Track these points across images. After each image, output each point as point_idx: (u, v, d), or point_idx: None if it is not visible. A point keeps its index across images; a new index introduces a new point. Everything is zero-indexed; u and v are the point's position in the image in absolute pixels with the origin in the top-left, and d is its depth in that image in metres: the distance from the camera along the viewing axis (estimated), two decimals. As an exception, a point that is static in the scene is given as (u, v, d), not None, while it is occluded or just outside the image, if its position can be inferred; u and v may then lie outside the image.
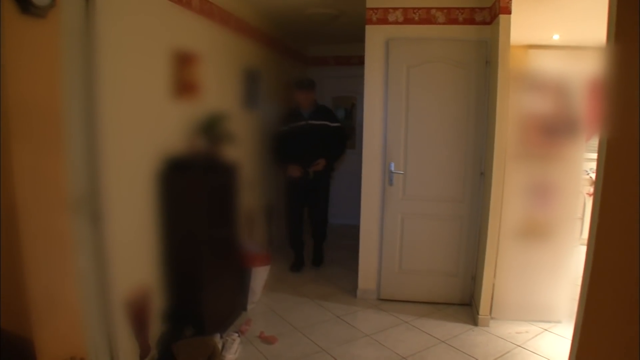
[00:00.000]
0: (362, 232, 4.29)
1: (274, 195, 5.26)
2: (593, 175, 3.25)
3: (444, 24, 3.91)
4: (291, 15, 4.98)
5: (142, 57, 2.86)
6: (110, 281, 2.60)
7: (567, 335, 3.42)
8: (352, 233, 5.33)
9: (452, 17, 3.89)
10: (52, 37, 2.05)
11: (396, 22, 3.96)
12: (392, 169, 4.06)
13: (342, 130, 4.87)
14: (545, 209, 3.65)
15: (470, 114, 3.92)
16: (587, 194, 5.11)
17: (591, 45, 3.12)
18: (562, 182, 3.62)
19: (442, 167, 4.04)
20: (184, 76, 3.33)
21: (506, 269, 3.72)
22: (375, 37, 4.01)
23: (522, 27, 3.45)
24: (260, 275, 4.05)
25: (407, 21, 3.95)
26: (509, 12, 3.39)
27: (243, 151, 4.36)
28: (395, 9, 3.94)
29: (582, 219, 4.88)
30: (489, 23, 3.80)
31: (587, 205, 5.05)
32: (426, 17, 3.92)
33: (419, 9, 3.91)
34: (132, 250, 2.88)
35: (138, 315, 2.88)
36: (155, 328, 3.09)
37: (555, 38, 3.83)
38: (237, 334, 3.37)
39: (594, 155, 1.76)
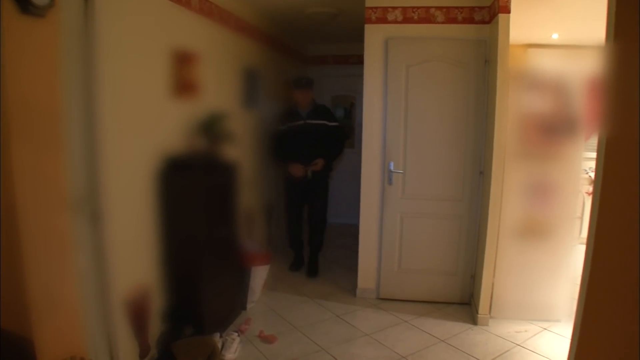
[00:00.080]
0: (361, 231, 4.30)
1: (273, 195, 5.25)
2: (592, 175, 3.26)
3: (443, 23, 3.91)
4: (290, 14, 4.98)
5: (141, 56, 2.86)
6: (109, 281, 2.60)
7: (566, 334, 3.42)
8: (351, 232, 5.34)
9: (451, 16, 3.89)
10: (52, 36, 2.05)
11: (395, 21, 3.96)
12: (392, 168, 4.06)
13: (341, 129, 4.83)
14: (545, 208, 3.66)
15: (470, 113, 3.93)
16: (587, 193, 5.12)
17: (590, 45, 3.12)
18: (562, 181, 3.63)
19: (442, 166, 4.04)
20: (183, 75, 3.32)
21: (505, 268, 3.72)
22: (374, 36, 4.01)
23: (521, 26, 3.45)
24: (259, 275, 4.05)
25: (406, 20, 3.95)
26: (508, 11, 3.39)
27: (242, 150, 4.36)
28: (394, 8, 3.94)
29: (582, 218, 4.89)
30: (488, 22, 3.80)
31: (587, 205, 5.06)
32: (425, 16, 3.92)
33: (418, 8, 3.92)
34: (132, 250, 2.88)
35: (138, 315, 2.88)
36: (155, 327, 3.10)
37: (555, 37, 3.83)
38: (236, 333, 3.37)
39: (593, 155, 1.76)
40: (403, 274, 4.23)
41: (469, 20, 3.87)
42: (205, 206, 3.26)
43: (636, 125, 1.46)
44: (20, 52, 1.86)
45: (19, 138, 1.88)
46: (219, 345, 3.17)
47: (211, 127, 3.50)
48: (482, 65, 3.85)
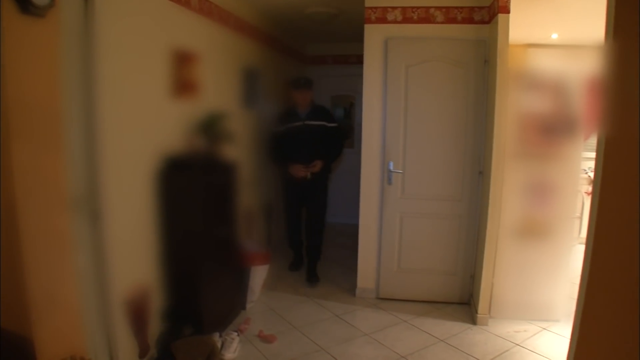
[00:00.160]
0: (361, 231, 4.30)
1: (273, 194, 5.25)
2: (591, 174, 3.27)
3: (442, 23, 3.91)
4: (290, 14, 4.98)
5: (141, 56, 2.86)
6: (109, 280, 2.60)
7: (565, 334, 3.43)
8: (351, 232, 5.34)
9: (450, 16, 3.89)
10: (52, 36, 2.05)
11: (395, 21, 3.97)
12: (391, 168, 4.07)
13: (340, 130, 4.76)
14: (544, 208, 3.66)
15: (469, 113, 3.93)
16: (586, 193, 5.12)
17: (590, 44, 3.12)
18: (561, 181, 3.63)
19: (441, 166, 4.04)
20: (183, 75, 3.33)
21: (505, 268, 3.73)
22: (374, 36, 4.02)
23: (520, 26, 3.46)
24: (259, 274, 4.05)
25: (406, 20, 3.95)
26: (508, 12, 3.39)
27: (242, 150, 4.36)
28: (394, 8, 3.95)
29: (581, 218, 4.89)
30: (488, 22, 3.80)
31: (586, 204, 5.06)
32: (425, 16, 3.92)
33: (418, 8, 3.92)
34: (132, 249, 2.88)
35: (137, 314, 2.88)
36: (155, 327, 3.10)
37: (554, 37, 3.84)
38: (236, 333, 3.37)
39: (593, 155, 1.76)
40: (402, 273, 4.24)
41: (469, 20, 3.87)
42: (205, 206, 3.26)
43: (636, 125, 1.46)
44: (20, 52, 1.86)
45: (19, 138, 1.88)
46: (219, 344, 3.18)
47: (211, 127, 3.50)
48: (481, 65, 3.85)
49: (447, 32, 3.91)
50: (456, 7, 3.87)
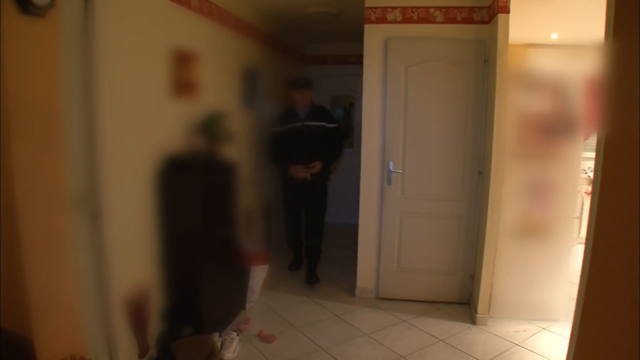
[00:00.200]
0: (360, 230, 4.30)
1: (272, 194, 5.25)
2: (591, 174, 3.27)
3: (442, 23, 3.91)
4: (290, 14, 4.98)
5: (141, 56, 2.86)
6: (109, 280, 2.60)
7: (565, 334, 3.43)
8: (350, 232, 5.34)
9: (450, 16, 3.89)
10: (52, 36, 2.05)
11: (395, 21, 3.97)
12: (391, 168, 4.07)
13: (340, 131, 4.73)
14: (544, 208, 3.66)
15: (469, 113, 3.93)
16: (585, 193, 5.13)
17: (589, 44, 3.13)
18: (560, 181, 3.63)
19: (441, 166, 4.04)
20: (183, 75, 3.33)
21: (504, 267, 3.73)
22: (374, 36, 4.02)
23: (520, 26, 3.46)
24: (259, 274, 4.05)
25: (406, 20, 3.95)
26: (508, 12, 3.40)
27: (242, 150, 4.36)
28: (393, 8, 3.95)
29: (580, 218, 4.90)
30: (487, 22, 3.81)
31: (585, 204, 5.07)
32: (425, 16, 3.93)
33: (418, 8, 3.92)
34: (131, 249, 2.88)
35: (137, 314, 2.88)
36: (154, 327, 3.10)
37: (554, 37, 3.84)
38: (235, 333, 3.37)
39: (592, 155, 1.76)
40: (402, 273, 4.24)
41: (469, 21, 3.88)
42: (205, 206, 3.26)
43: (635, 124, 1.46)
44: (20, 52, 1.86)
45: (19, 138, 1.88)
46: (218, 344, 3.18)
47: (210, 127, 3.50)
48: (481, 65, 3.85)
49: (447, 32, 3.91)
50: (456, 7, 3.87)
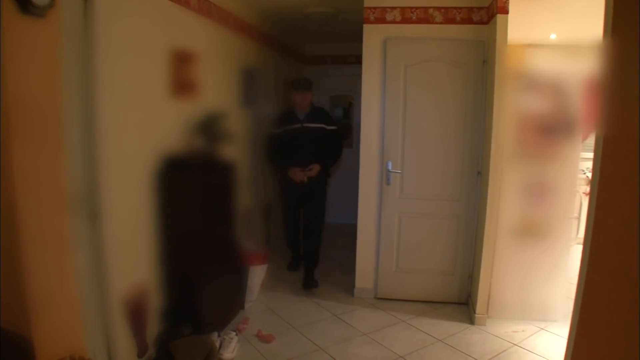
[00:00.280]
0: (359, 231, 4.31)
1: (271, 194, 5.25)
2: (589, 175, 3.27)
3: (441, 23, 3.92)
4: (289, 14, 4.98)
5: (140, 56, 2.86)
6: (108, 280, 2.60)
7: (563, 334, 3.44)
8: (349, 232, 5.34)
9: (449, 16, 3.90)
10: (52, 36, 2.05)
11: (394, 22, 3.97)
12: (390, 168, 4.07)
13: (339, 134, 4.65)
14: (542, 208, 3.67)
15: (468, 113, 3.94)
16: (584, 193, 5.14)
17: (588, 45, 3.13)
18: (559, 182, 3.64)
19: (440, 166, 4.05)
20: (182, 75, 3.33)
21: (503, 268, 3.74)
22: (373, 36, 4.02)
23: (519, 27, 3.46)
24: (257, 274, 4.06)
25: (405, 20, 3.96)
26: (506, 12, 3.40)
27: (241, 150, 4.36)
28: (393, 8, 3.95)
29: (579, 218, 4.91)
30: (486, 23, 3.81)
31: (584, 205, 5.07)
32: (424, 16, 3.93)
33: (417, 8, 3.93)
34: (130, 249, 2.88)
35: (136, 314, 2.88)
36: (153, 326, 3.10)
37: (553, 37, 3.85)
38: (234, 333, 3.38)
39: (591, 155, 1.76)
40: (401, 273, 4.24)
41: (467, 21, 3.88)
42: (204, 205, 3.27)
43: (634, 123, 1.46)
44: (20, 52, 1.86)
45: (19, 138, 1.88)
46: (217, 344, 3.18)
47: (210, 127, 3.51)
48: (480, 66, 3.86)
49: (446, 32, 3.92)
50: (455, 8, 3.88)
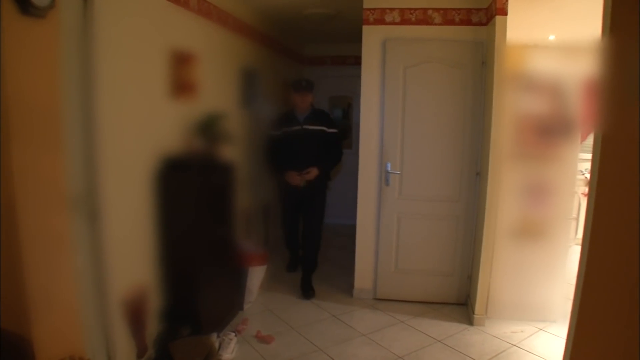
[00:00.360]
0: (358, 231, 4.31)
1: (270, 195, 5.25)
2: (588, 176, 3.28)
3: (440, 24, 3.93)
4: (288, 15, 4.99)
5: (140, 56, 2.86)
6: (107, 280, 2.60)
7: (562, 334, 3.45)
8: (348, 232, 5.35)
9: (448, 17, 3.91)
10: (52, 37, 2.05)
11: (393, 23, 3.98)
12: (389, 169, 4.08)
13: (340, 136, 4.50)
14: (541, 209, 3.68)
15: (467, 114, 3.94)
16: (582, 194, 5.14)
17: (587, 45, 3.14)
18: (557, 183, 3.65)
19: (439, 167, 4.06)
20: (181, 76, 3.33)
21: (501, 268, 3.74)
22: (372, 38, 4.03)
23: (518, 28, 3.47)
24: (256, 275, 4.06)
25: (404, 22, 3.97)
26: (505, 13, 3.41)
27: (240, 150, 4.36)
28: (392, 9, 3.96)
29: (577, 219, 4.91)
30: (485, 24, 3.82)
31: (582, 206, 5.08)
32: (423, 17, 3.94)
33: (416, 9, 3.93)
34: (130, 250, 2.88)
35: (135, 314, 2.88)
36: (153, 327, 3.10)
37: (551, 38, 3.85)
38: (233, 334, 3.38)
39: (589, 156, 1.77)
40: (400, 274, 4.25)
41: (466, 22, 3.89)
42: (203, 206, 3.27)
43: (632, 122, 1.46)
44: (20, 53, 1.86)
45: (19, 138, 1.88)
46: (216, 345, 3.18)
47: (209, 128, 3.51)
48: (479, 67, 3.87)
49: (445, 33, 3.92)
50: (454, 9, 3.88)
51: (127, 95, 2.76)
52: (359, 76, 4.13)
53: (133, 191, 2.91)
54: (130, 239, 2.90)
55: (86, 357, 2.22)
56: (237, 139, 4.16)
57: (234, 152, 4.02)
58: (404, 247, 4.21)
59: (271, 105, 5.23)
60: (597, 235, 1.68)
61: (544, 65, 3.63)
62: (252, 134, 4.76)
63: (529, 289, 3.77)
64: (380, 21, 3.99)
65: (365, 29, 4.03)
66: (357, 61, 4.40)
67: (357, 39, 4.10)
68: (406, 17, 3.96)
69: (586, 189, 4.35)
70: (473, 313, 3.77)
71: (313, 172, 4.25)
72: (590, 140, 3.35)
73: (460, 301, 4.17)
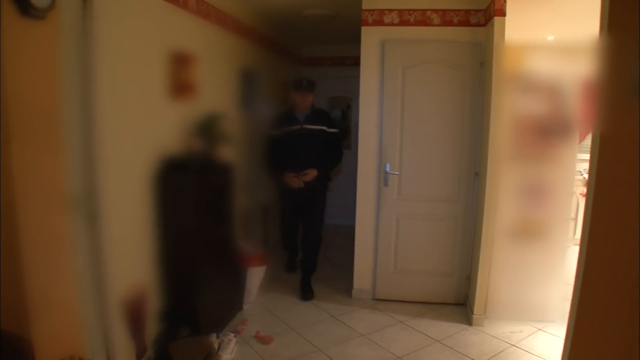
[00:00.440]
0: (357, 232, 4.32)
1: (270, 195, 5.25)
2: (587, 176, 3.29)
3: (439, 25, 3.93)
4: (287, 16, 4.99)
5: (139, 57, 2.86)
6: (107, 281, 2.60)
7: (560, 334, 3.45)
8: (347, 233, 5.35)
9: (447, 18, 3.91)
10: (51, 38, 2.05)
11: (392, 24, 3.99)
12: (388, 169, 4.08)
13: (340, 136, 4.45)
14: (539, 209, 3.68)
15: (465, 115, 3.95)
16: (581, 194, 5.15)
17: (585, 46, 3.14)
18: (556, 183, 3.66)
19: (437, 167, 4.06)
20: (180, 76, 3.33)
21: (500, 269, 3.75)
22: (371, 38, 4.03)
23: (516, 29, 3.48)
24: (256, 276, 4.06)
25: (403, 23, 3.97)
26: (504, 14, 3.42)
27: (239, 151, 4.36)
28: (390, 10, 3.97)
29: (576, 219, 4.92)
30: (484, 25, 3.83)
31: (581, 206, 5.09)
32: (421, 18, 3.95)
33: (415, 10, 3.94)
34: (129, 250, 2.88)
35: (134, 315, 2.88)
36: (152, 328, 3.10)
37: (550, 39, 3.86)
38: (233, 334, 3.38)
39: (588, 156, 1.77)
40: (399, 274, 4.25)
41: (465, 23, 3.90)
42: (202, 207, 3.27)
43: (630, 121, 1.46)
44: (20, 54, 1.87)
45: (19, 139, 1.89)
46: (216, 345, 3.18)
47: (208, 128, 3.51)
48: (477, 68, 3.88)
49: (444, 34, 3.93)
50: (452, 10, 3.89)
51: (127, 95, 2.77)
52: (358, 77, 4.14)
53: (132, 191, 2.91)
54: (129, 240, 2.90)
55: (86, 358, 2.23)
56: (236, 140, 4.16)
57: (233, 153, 4.02)
58: (403, 248, 4.21)
59: (270, 106, 5.22)
60: (595, 236, 1.68)
61: (543, 65, 3.64)
62: (251, 134, 4.75)
63: (527, 289, 3.77)
64: (379, 22, 4.00)
65: (364, 29, 4.04)
66: (356, 62, 4.40)
67: (356, 39, 4.11)
68: (405, 18, 3.96)
69: (585, 189, 4.35)
70: (472, 313, 3.78)
71: (311, 174, 4.18)
72: (588, 141, 3.36)
73: (459, 301, 4.18)
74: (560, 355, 1.93)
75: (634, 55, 1.43)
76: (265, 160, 4.50)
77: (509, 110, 3.57)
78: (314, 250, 4.53)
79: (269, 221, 5.26)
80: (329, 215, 5.84)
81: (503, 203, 3.66)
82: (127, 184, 2.84)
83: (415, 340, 3.53)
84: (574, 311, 1.78)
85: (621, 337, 1.53)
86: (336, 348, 3.40)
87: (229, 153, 3.87)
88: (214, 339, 3.22)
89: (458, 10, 3.88)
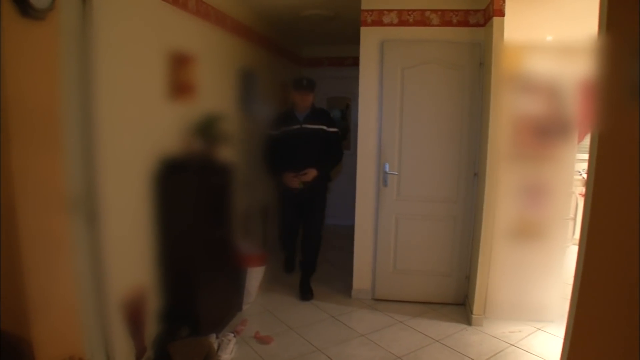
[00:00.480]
0: (356, 232, 4.32)
1: (269, 196, 5.25)
2: (586, 176, 3.29)
3: (438, 25, 3.94)
4: (286, 16, 5.00)
5: (138, 58, 2.87)
6: (106, 281, 2.60)
7: (559, 334, 3.43)
8: (346, 233, 5.34)
9: (446, 19, 3.92)
10: (51, 39, 2.06)
11: (391, 24, 3.99)
12: (387, 170, 4.08)
13: (340, 136, 4.40)
14: (538, 209, 3.69)
15: (464, 115, 3.96)
16: (580, 194, 5.15)
17: (584, 46, 3.14)
18: (555, 183, 3.66)
19: (436, 168, 4.07)
20: (180, 77, 3.33)
21: (499, 269, 3.75)
22: (370, 39, 4.04)
23: (515, 29, 3.48)
24: (255, 276, 4.06)
25: (402, 23, 3.98)
26: (503, 15, 3.43)
27: (239, 151, 4.36)
28: (390, 10, 3.97)
29: (575, 219, 4.92)
30: (483, 25, 3.83)
31: (580, 206, 5.09)
32: (421, 19, 3.95)
33: (414, 10, 3.94)
34: (129, 251, 2.88)
35: (134, 316, 2.88)
36: (151, 328, 3.10)
37: (549, 39, 3.86)
38: (232, 334, 3.38)
39: (587, 156, 1.77)
40: (398, 275, 4.25)
41: (464, 23, 3.90)
42: (202, 207, 3.27)
43: (629, 121, 1.46)
44: (20, 54, 1.87)
45: (19, 139, 1.89)
46: (215, 346, 3.18)
47: (207, 129, 3.51)
48: (476, 68, 3.88)
49: (443, 34, 3.94)
50: (452, 10, 3.90)
51: (126, 96, 2.77)
52: (357, 77, 4.14)
53: (132, 192, 2.91)
54: (129, 240, 2.90)
55: (85, 358, 2.23)
56: (236, 140, 4.16)
57: (232, 153, 4.02)
58: (402, 248, 4.22)
59: (269, 107, 5.22)
60: (594, 236, 1.68)
61: (541, 66, 3.64)
62: (250, 134, 4.75)
63: (526, 289, 3.78)
64: (378, 22, 4.00)
65: (363, 30, 4.04)
66: (355, 62, 4.40)
67: (355, 40, 4.11)
68: (404, 18, 3.97)
69: (583, 189, 4.36)
70: (471, 313, 3.78)
71: (311, 174, 4.15)
72: (587, 141, 3.36)
73: (459, 301, 4.18)
74: (560, 354, 1.93)
75: (632, 55, 1.42)
76: (264, 160, 4.47)
77: (508, 110, 3.57)
78: (314, 250, 4.52)
79: (269, 221, 5.27)
80: (328, 215, 5.83)
81: (502, 203, 3.66)
82: (127, 185, 2.85)
83: (415, 340, 3.53)
84: (573, 311, 1.78)
85: (620, 337, 1.53)
86: (336, 348, 3.40)
87: (228, 153, 3.87)
88: (213, 339, 3.22)
89: (457, 11, 3.89)
